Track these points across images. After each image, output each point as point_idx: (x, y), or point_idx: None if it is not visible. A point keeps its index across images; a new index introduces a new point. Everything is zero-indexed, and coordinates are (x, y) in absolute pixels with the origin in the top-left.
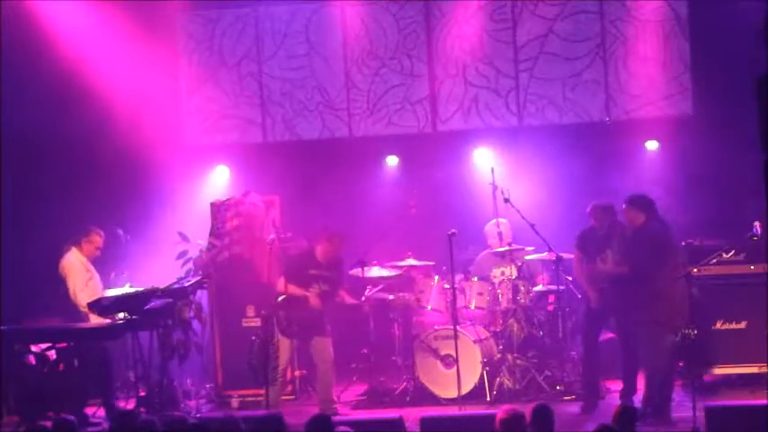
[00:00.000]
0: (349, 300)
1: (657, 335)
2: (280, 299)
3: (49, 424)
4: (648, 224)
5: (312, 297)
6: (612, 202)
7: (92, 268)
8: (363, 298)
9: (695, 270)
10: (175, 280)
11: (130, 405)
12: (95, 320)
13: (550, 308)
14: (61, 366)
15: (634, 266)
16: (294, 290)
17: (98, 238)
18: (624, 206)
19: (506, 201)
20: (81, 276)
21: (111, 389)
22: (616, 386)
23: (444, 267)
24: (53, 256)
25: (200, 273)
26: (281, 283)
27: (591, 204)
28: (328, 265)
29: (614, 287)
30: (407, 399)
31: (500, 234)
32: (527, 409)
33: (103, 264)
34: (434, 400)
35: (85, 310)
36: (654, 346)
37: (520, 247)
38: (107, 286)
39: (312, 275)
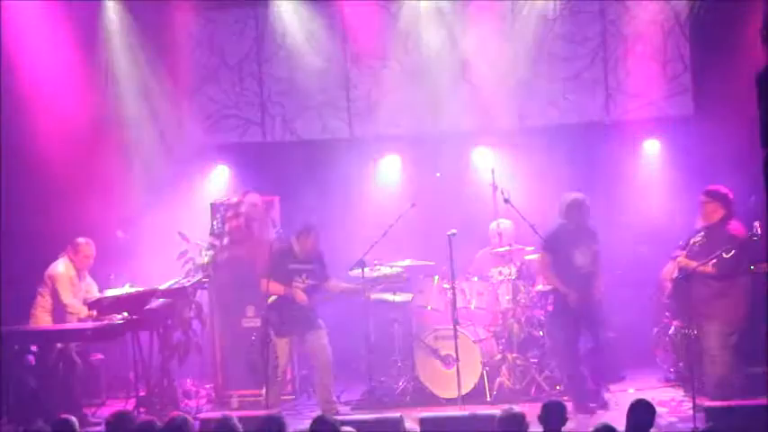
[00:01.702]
0: (345, 286)
1: (725, 333)
2: (270, 300)
3: (49, 424)
4: (731, 221)
5: (297, 292)
6: (581, 196)
7: (77, 282)
8: (363, 289)
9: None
10: (175, 280)
11: (130, 405)
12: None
13: (550, 308)
14: (61, 367)
15: (720, 265)
16: (277, 288)
17: (85, 248)
18: (703, 198)
19: (506, 201)
20: (66, 287)
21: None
22: (616, 387)
23: (444, 267)
24: (53, 257)
25: (201, 273)
26: (263, 285)
27: (561, 200)
28: (309, 259)
29: (684, 283)
30: (407, 399)
31: (500, 234)
32: (527, 409)
33: (103, 264)
34: (434, 400)
35: (77, 316)
36: (721, 343)
37: (520, 247)
38: (107, 286)
39: (293, 270)
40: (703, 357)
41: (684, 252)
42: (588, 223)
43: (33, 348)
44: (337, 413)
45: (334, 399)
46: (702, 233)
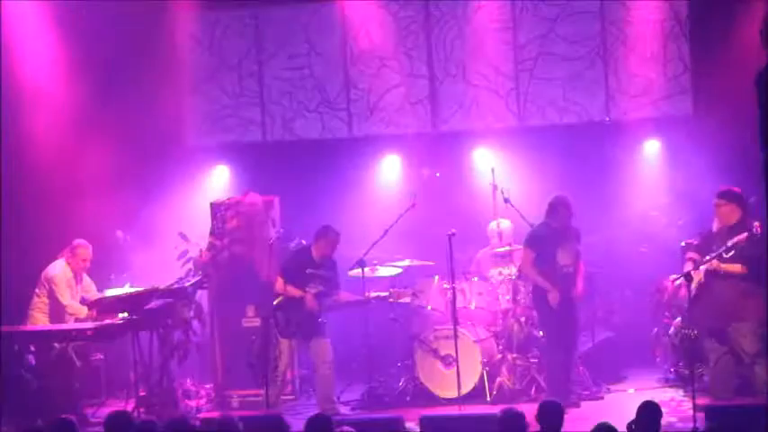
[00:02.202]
0: (352, 297)
1: (759, 332)
2: (276, 301)
3: (49, 424)
4: (750, 221)
5: (309, 298)
6: (564, 196)
7: (74, 284)
8: (367, 294)
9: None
10: (175, 280)
11: (130, 405)
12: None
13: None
14: (61, 367)
15: (749, 266)
16: (292, 290)
17: (83, 251)
18: (718, 201)
19: (506, 201)
20: (64, 288)
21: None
22: (616, 387)
23: (444, 267)
24: (52, 257)
25: (200, 273)
26: (279, 284)
27: (550, 201)
28: (324, 265)
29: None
30: (407, 399)
31: (500, 234)
32: (527, 409)
33: (103, 265)
34: (434, 400)
35: (76, 316)
36: (756, 342)
37: (519, 247)
38: (107, 286)
39: (309, 275)
40: (722, 357)
41: (715, 255)
42: (572, 222)
43: (33, 348)
44: (337, 413)
45: (335, 399)
46: (735, 239)
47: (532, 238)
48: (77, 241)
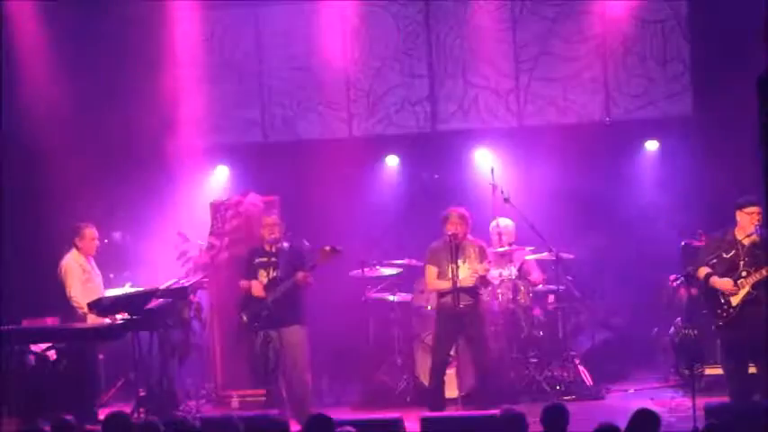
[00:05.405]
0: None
1: None
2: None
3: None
4: None
5: (255, 286)
6: (447, 213)
7: (90, 268)
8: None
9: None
10: (175, 280)
11: (130, 405)
12: (93, 321)
13: (550, 308)
14: (61, 366)
15: None
16: (243, 285)
17: (89, 231)
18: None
19: (506, 201)
20: (78, 278)
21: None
22: (616, 387)
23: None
24: (53, 256)
25: (200, 273)
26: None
27: (449, 211)
28: (277, 252)
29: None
30: (407, 399)
31: (500, 234)
32: (527, 410)
33: (103, 264)
34: None
35: (83, 310)
36: None
37: (519, 247)
38: (107, 287)
39: (258, 264)
40: None
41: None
42: (466, 239)
43: (33, 348)
44: None
45: (309, 411)
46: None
47: (429, 254)
48: (78, 224)
